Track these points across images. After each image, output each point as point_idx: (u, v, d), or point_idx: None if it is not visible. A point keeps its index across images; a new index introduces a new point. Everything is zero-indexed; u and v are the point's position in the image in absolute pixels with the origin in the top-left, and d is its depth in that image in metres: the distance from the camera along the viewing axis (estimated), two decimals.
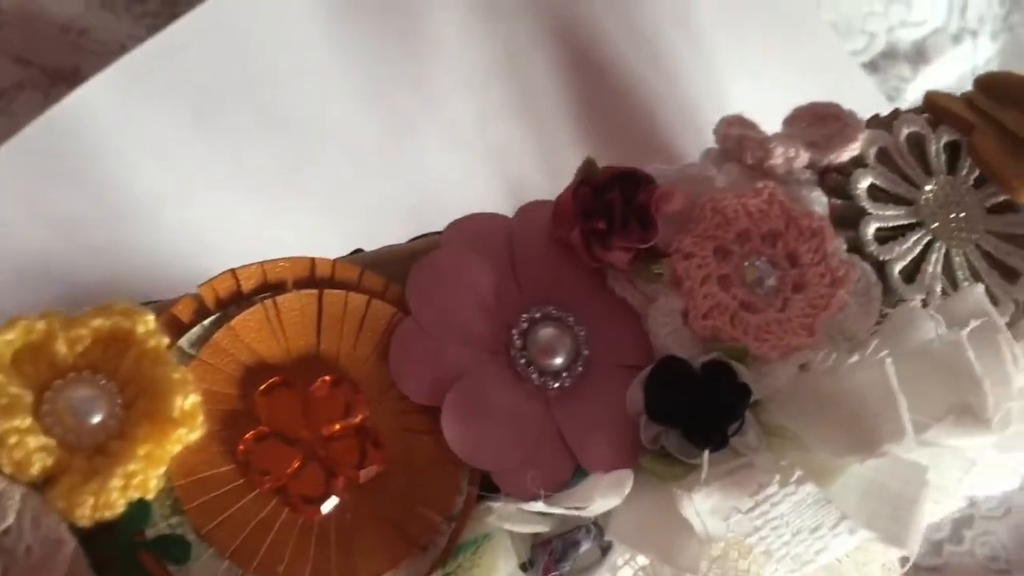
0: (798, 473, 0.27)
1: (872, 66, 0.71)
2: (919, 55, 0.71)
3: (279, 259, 0.27)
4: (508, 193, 0.60)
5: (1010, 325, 0.33)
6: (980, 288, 0.30)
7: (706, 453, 0.26)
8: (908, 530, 0.26)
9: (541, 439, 0.28)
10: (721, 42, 0.65)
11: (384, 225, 0.57)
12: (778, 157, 0.32)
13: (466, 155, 0.61)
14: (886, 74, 0.71)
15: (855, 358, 0.27)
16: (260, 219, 0.55)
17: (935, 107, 0.35)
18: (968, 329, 0.28)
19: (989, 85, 0.37)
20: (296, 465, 0.26)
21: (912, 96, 0.70)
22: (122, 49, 0.58)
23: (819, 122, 0.34)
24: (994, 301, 0.33)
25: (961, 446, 0.27)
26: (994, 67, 0.73)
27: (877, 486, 0.27)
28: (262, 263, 0.27)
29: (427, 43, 0.61)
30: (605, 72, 0.64)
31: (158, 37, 0.56)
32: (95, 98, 0.54)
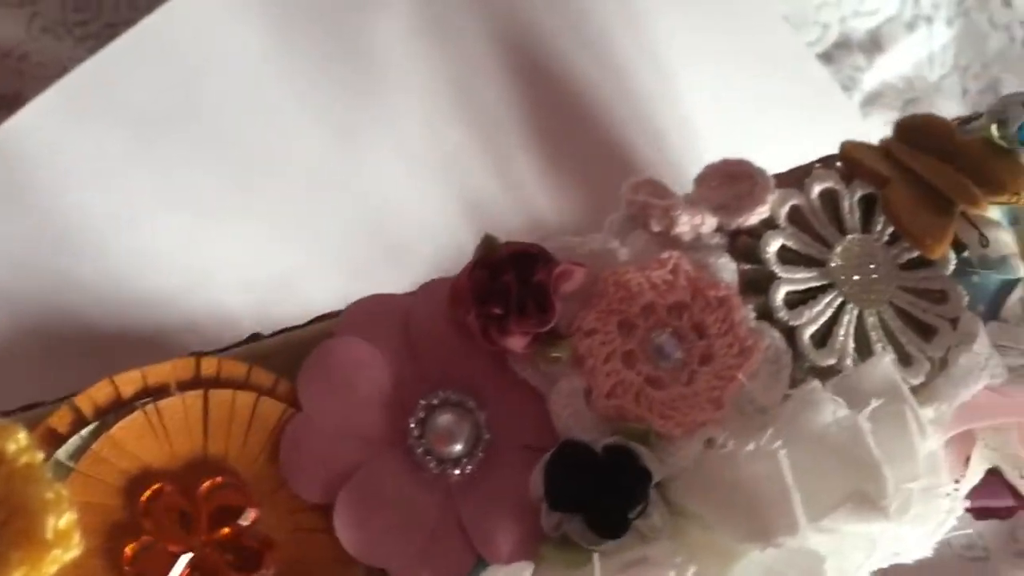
0: (693, 569, 0.26)
1: (827, 57, 0.70)
2: (873, 44, 0.70)
3: (161, 363, 0.27)
4: (463, 203, 0.59)
5: (925, 384, 0.33)
6: (887, 359, 0.30)
7: (595, 559, 0.26)
8: None
9: (440, 531, 0.28)
10: (673, 40, 0.64)
11: (337, 241, 0.56)
12: (683, 225, 0.31)
13: (418, 167, 0.60)
14: (841, 64, 0.71)
15: (751, 447, 0.26)
16: (209, 239, 0.54)
17: (849, 159, 0.34)
18: (868, 409, 0.28)
19: (908, 131, 0.36)
20: (184, 574, 0.26)
21: (868, 85, 0.69)
22: (64, 72, 0.57)
23: (730, 181, 0.33)
24: (908, 361, 0.33)
25: (861, 532, 0.27)
26: (951, 52, 0.73)
27: (775, 574, 0.26)
28: (142, 368, 0.26)
29: (373, 57, 0.60)
30: (556, 77, 0.63)
31: (96, 58, 0.55)
32: (35, 122, 0.53)
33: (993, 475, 0.35)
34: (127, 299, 0.54)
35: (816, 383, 0.28)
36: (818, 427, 0.27)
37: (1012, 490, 0.34)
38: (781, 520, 0.25)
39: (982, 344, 0.31)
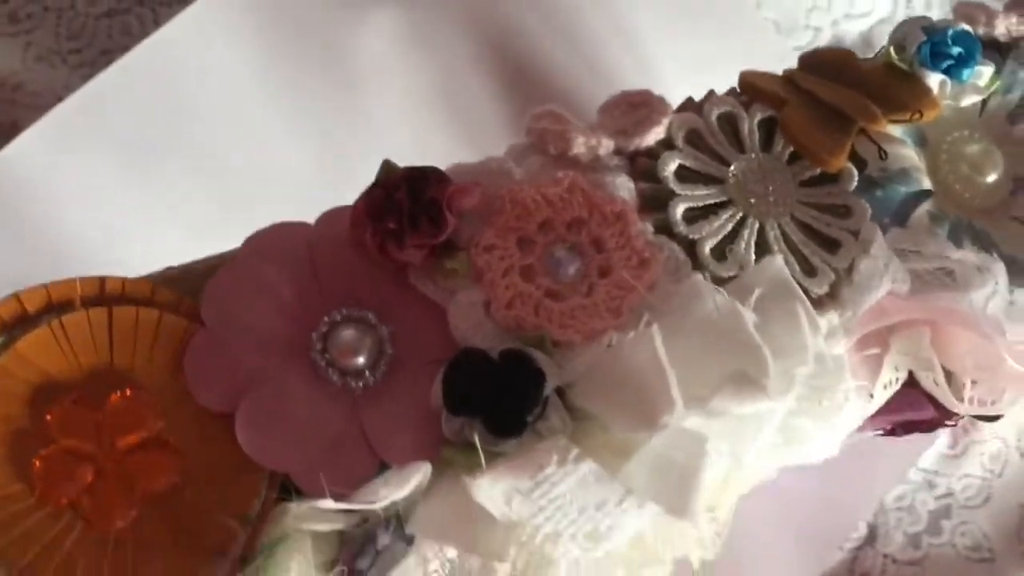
0: (575, 451, 0.27)
1: None
2: (866, 46, 0.71)
3: (67, 280, 0.28)
4: None
5: (831, 294, 0.33)
6: (778, 259, 0.30)
7: (479, 452, 0.26)
8: (689, 500, 0.26)
9: (342, 438, 0.29)
10: (661, 49, 0.65)
11: None
12: (579, 146, 0.32)
13: None
14: None
15: (631, 335, 0.27)
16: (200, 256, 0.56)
17: (749, 86, 0.35)
18: (753, 298, 0.28)
19: (810, 61, 0.37)
20: (89, 480, 0.27)
21: None
22: (58, 101, 0.59)
23: (631, 110, 0.34)
24: (812, 272, 0.33)
25: (749, 413, 0.27)
26: None
27: (664, 459, 0.27)
28: (47, 284, 0.28)
29: (359, 75, 0.62)
30: (543, 86, 0.65)
31: (89, 86, 0.58)
32: (31, 149, 0.55)
33: (912, 388, 0.35)
34: None
35: (698, 276, 0.29)
36: (701, 315, 0.28)
37: (932, 400, 0.34)
38: (661, 401, 0.26)
39: (880, 249, 0.32)
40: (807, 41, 0.70)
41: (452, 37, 0.63)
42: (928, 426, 0.35)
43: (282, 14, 0.60)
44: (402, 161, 0.63)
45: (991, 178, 0.36)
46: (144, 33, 0.63)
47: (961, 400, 0.33)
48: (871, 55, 0.73)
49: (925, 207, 0.34)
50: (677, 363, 0.28)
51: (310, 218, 0.60)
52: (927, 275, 0.33)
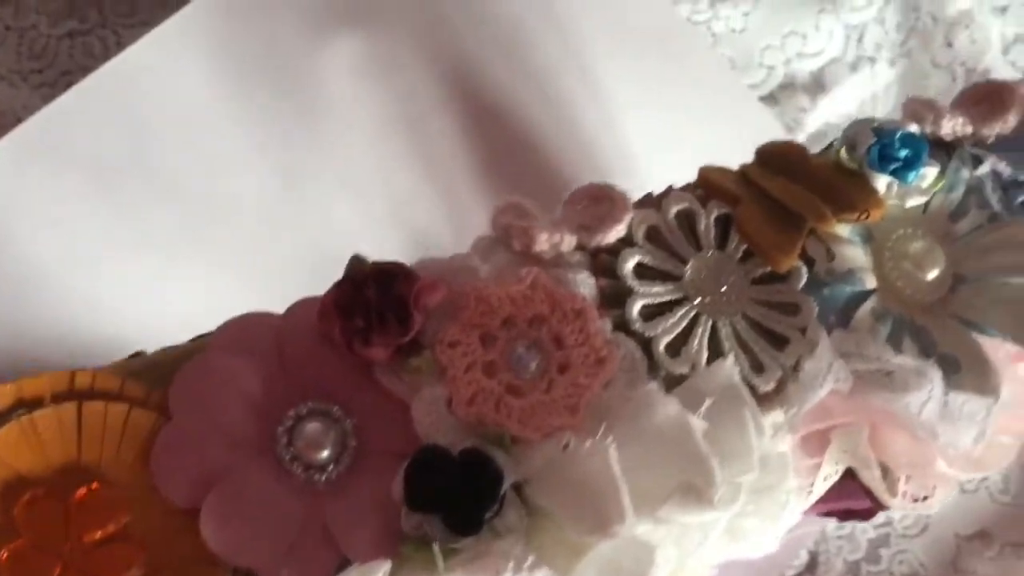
0: (531, 559, 0.28)
1: (771, 98, 0.73)
2: (817, 85, 0.73)
3: (37, 377, 0.29)
4: (412, 244, 0.61)
5: (778, 390, 0.35)
6: (728, 363, 0.32)
7: (435, 548, 0.28)
8: None
9: (305, 533, 0.30)
10: (618, 84, 0.67)
11: (287, 282, 0.58)
12: (542, 243, 0.33)
13: (368, 208, 0.62)
14: (785, 106, 0.73)
15: (588, 444, 0.28)
16: (164, 283, 0.56)
17: (706, 182, 0.37)
18: (703, 408, 0.30)
19: (766, 155, 0.38)
20: (56, 574, 0.27)
21: (812, 126, 0.72)
22: (19, 121, 0.58)
23: (593, 204, 0.35)
24: (760, 369, 0.35)
25: (694, 522, 0.28)
26: (894, 92, 0.76)
27: (613, 565, 0.28)
28: (17, 381, 0.28)
29: (322, 98, 0.62)
30: (504, 118, 0.65)
31: (50, 107, 0.57)
32: None
33: (852, 478, 0.36)
34: (83, 343, 0.55)
35: (653, 384, 0.31)
36: (653, 425, 0.29)
37: (868, 492, 0.36)
38: (612, 512, 0.27)
39: (824, 350, 0.34)
40: (761, 79, 0.72)
41: (416, 67, 0.64)
42: (865, 515, 0.37)
43: (247, 39, 0.61)
44: (364, 184, 0.64)
45: (932, 275, 0.37)
46: (107, 55, 0.62)
47: (895, 495, 0.35)
48: (822, 95, 0.76)
49: (869, 305, 0.36)
50: (629, 471, 0.29)
51: (271, 243, 0.61)
52: (867, 375, 0.34)
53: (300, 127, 0.61)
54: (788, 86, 0.73)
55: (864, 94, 0.73)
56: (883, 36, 0.73)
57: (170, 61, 0.59)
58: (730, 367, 0.32)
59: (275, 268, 0.57)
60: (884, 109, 0.72)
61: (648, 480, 0.28)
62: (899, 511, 0.35)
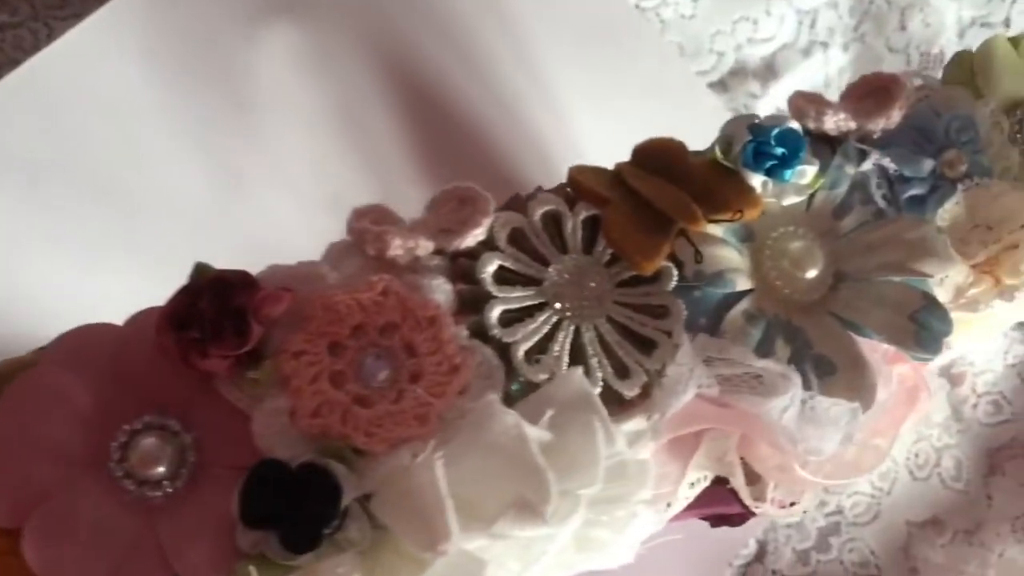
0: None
1: (721, 85, 0.72)
2: (768, 71, 0.72)
3: None
4: None
5: (644, 396, 0.34)
6: (578, 372, 0.31)
7: (252, 569, 0.27)
8: None
9: (136, 552, 0.29)
10: (563, 72, 0.66)
11: None
12: (396, 248, 0.33)
13: (303, 204, 0.61)
14: (736, 92, 0.72)
15: (420, 458, 0.28)
16: (93, 282, 0.55)
17: (575, 183, 0.36)
18: (545, 418, 0.29)
19: (643, 154, 0.38)
20: None
21: (763, 113, 0.71)
22: None
23: (460, 206, 0.35)
24: (626, 373, 0.34)
25: (531, 537, 0.28)
26: (847, 77, 0.75)
27: None
28: None
29: (257, 91, 0.61)
30: (445, 108, 0.64)
31: None
32: None
33: (724, 483, 0.36)
34: (7, 341, 0.55)
35: (493, 396, 0.30)
36: (490, 437, 0.28)
37: (738, 497, 0.35)
38: (439, 529, 0.27)
39: (685, 355, 0.33)
40: (711, 65, 0.71)
41: (350, 57, 0.63)
42: (738, 520, 0.36)
43: (177, 32, 0.60)
44: (298, 181, 0.63)
45: (811, 274, 0.37)
46: (37, 47, 0.61)
47: (764, 500, 0.34)
48: (774, 81, 0.75)
49: (742, 307, 0.35)
50: (465, 485, 0.28)
51: (205, 240, 0.60)
52: (737, 380, 0.34)
53: (234, 120, 0.60)
54: (739, 72, 0.72)
55: (817, 79, 0.72)
56: (836, 20, 0.72)
57: (99, 55, 0.58)
58: (579, 375, 0.31)
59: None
60: (837, 94, 0.71)
61: (483, 494, 0.28)
62: (771, 516, 0.34)
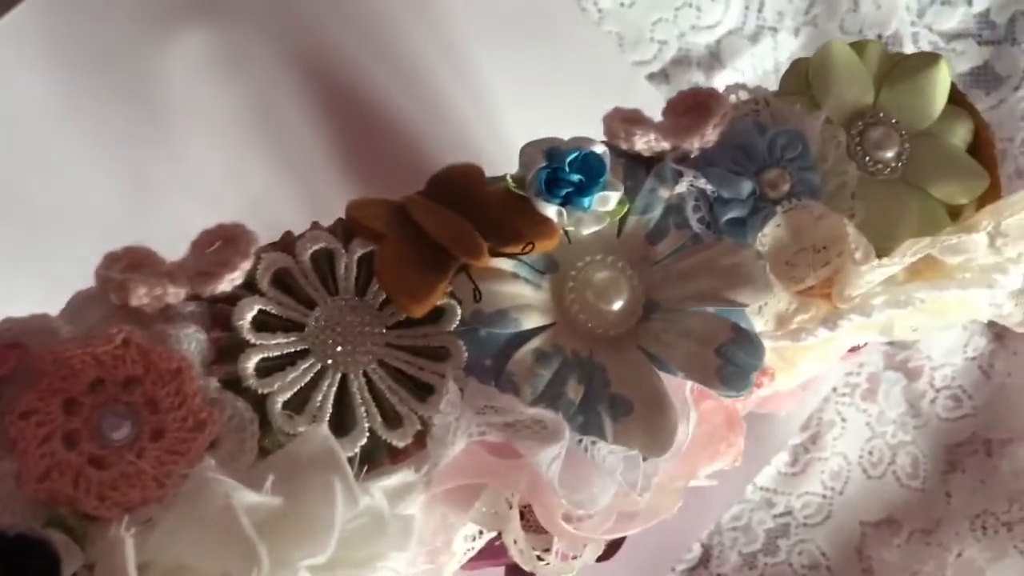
0: None
1: (663, 76, 0.69)
2: (714, 59, 0.69)
3: None
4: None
5: (419, 444, 0.32)
6: (322, 428, 0.29)
7: None
8: None
9: None
10: (494, 65, 0.63)
11: None
12: (140, 297, 0.31)
13: (220, 212, 0.60)
14: (678, 83, 0.69)
15: (133, 529, 0.26)
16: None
17: (349, 219, 0.34)
18: (269, 482, 0.27)
19: (437, 184, 0.35)
20: None
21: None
22: None
23: (224, 247, 0.33)
24: (397, 422, 0.32)
25: None
26: None
27: None
28: None
29: (166, 103, 0.59)
30: (366, 109, 0.62)
31: None
32: None
33: None
34: None
35: (210, 462, 0.28)
36: (201, 509, 0.27)
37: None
38: None
39: (450, 404, 0.31)
40: (652, 55, 0.68)
41: (265, 57, 0.61)
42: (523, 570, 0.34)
43: (86, 37, 0.58)
44: (215, 188, 0.61)
45: (616, 305, 0.34)
46: None
47: (550, 551, 0.32)
48: (719, 69, 0.72)
49: (532, 345, 0.33)
50: (186, 556, 0.27)
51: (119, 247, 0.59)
52: (519, 425, 0.32)
53: (146, 128, 0.59)
54: (682, 62, 0.69)
55: (767, 65, 0.69)
56: (786, 4, 0.68)
57: (6, 60, 0.57)
58: (323, 431, 0.29)
59: None
60: None
61: (199, 568, 0.26)
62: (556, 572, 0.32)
